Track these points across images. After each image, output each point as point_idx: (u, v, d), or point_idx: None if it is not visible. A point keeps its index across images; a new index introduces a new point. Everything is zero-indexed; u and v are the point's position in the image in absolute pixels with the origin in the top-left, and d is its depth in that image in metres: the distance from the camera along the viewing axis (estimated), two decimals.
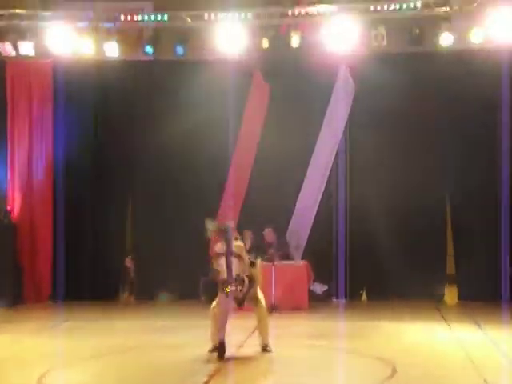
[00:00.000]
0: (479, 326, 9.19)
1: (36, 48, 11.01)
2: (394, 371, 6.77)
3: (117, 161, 12.11)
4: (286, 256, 11.30)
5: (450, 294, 11.66)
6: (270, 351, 7.66)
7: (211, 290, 7.78)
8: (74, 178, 11.94)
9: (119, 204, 12.21)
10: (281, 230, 11.49)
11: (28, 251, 11.94)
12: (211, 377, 6.65)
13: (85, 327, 9.61)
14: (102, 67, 11.70)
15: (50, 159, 12.02)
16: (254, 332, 8.56)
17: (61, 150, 11.87)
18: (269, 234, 11.15)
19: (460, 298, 11.49)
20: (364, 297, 11.87)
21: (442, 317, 10.05)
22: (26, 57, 11.21)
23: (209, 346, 7.69)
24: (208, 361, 7.35)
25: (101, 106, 11.98)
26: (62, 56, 11.21)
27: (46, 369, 7.00)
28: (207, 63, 11.54)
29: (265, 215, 11.32)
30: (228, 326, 7.45)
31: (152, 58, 11.59)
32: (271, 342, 7.76)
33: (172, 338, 8.73)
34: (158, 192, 12.03)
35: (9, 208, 11.92)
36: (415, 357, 7.53)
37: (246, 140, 11.86)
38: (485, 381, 6.36)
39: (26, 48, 10.94)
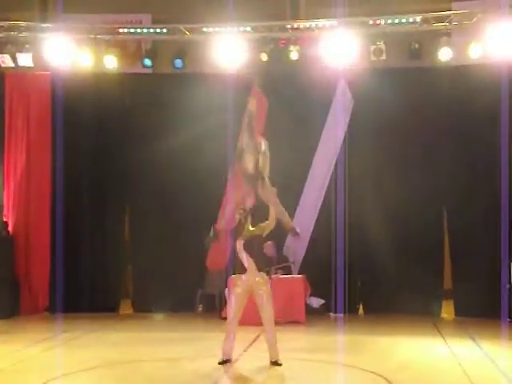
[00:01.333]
0: (476, 341, 9.16)
1: (35, 60, 11.03)
2: None
3: (115, 173, 12.09)
4: (288, 271, 11.27)
5: (447, 310, 11.63)
6: (280, 364, 7.63)
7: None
8: (72, 189, 11.89)
9: (117, 216, 12.19)
10: (278, 245, 11.46)
11: (25, 263, 11.91)
12: None
13: (83, 338, 9.59)
14: (100, 79, 11.71)
15: (47, 171, 11.99)
16: (251, 345, 8.56)
17: (59, 162, 11.82)
18: (269, 247, 11.10)
19: (457, 313, 11.44)
20: (361, 311, 11.83)
21: (439, 332, 10.01)
22: (25, 68, 11.23)
23: (204, 359, 7.66)
24: (205, 374, 7.33)
25: (99, 118, 11.95)
26: (60, 68, 11.23)
27: (45, 379, 7.01)
28: (206, 76, 11.55)
29: None
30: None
31: (150, 71, 11.63)
32: (268, 355, 7.73)
33: (169, 350, 8.70)
34: (156, 204, 12.01)
35: (5, 220, 11.89)
36: (411, 372, 7.49)
37: None
38: None
39: (25, 60, 10.94)
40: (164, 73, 11.74)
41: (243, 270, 7.75)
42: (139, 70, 11.61)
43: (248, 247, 7.75)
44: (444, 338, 9.49)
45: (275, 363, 7.65)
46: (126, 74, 11.74)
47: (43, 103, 11.99)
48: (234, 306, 7.73)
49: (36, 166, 12.02)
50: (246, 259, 7.75)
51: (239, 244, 7.75)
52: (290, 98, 11.68)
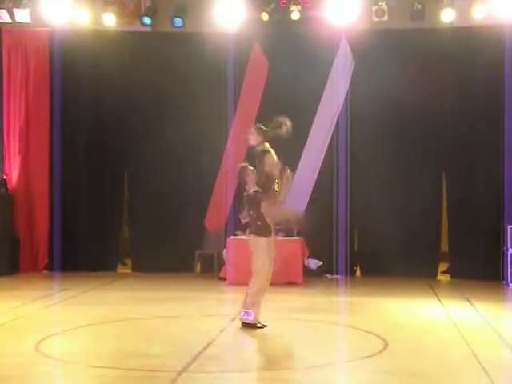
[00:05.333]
0: (471, 303, 9.24)
1: (32, 16, 10.90)
2: (386, 345, 6.82)
3: (113, 132, 12.04)
4: (291, 231, 11.24)
5: (444, 272, 11.71)
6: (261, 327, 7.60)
7: None
8: (71, 148, 11.88)
9: (116, 176, 12.18)
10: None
11: (25, 221, 11.92)
12: (204, 348, 6.68)
13: (81, 297, 9.66)
14: (98, 37, 11.58)
15: (46, 129, 11.92)
16: None
17: (57, 120, 11.79)
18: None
19: (453, 275, 11.52)
20: (358, 273, 11.90)
21: (435, 294, 10.08)
22: (22, 24, 11.10)
23: (201, 318, 7.71)
24: (203, 331, 7.40)
25: (97, 75, 11.83)
26: (58, 25, 11.09)
27: (44, 336, 7.07)
28: (206, 35, 11.40)
29: None
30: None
31: (150, 29, 11.50)
32: (265, 315, 7.73)
33: (167, 309, 8.78)
34: (154, 164, 11.97)
35: (5, 178, 11.88)
36: (407, 332, 7.57)
37: (243, 114, 11.76)
38: (475, 355, 6.41)
39: (22, 15, 10.83)
40: (163, 31, 11.60)
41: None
42: (138, 28, 11.49)
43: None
44: (440, 300, 9.57)
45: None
46: (124, 31, 11.61)
47: (41, 60, 11.83)
48: None
49: (34, 124, 11.93)
50: None
51: None
52: (291, 59, 11.54)
